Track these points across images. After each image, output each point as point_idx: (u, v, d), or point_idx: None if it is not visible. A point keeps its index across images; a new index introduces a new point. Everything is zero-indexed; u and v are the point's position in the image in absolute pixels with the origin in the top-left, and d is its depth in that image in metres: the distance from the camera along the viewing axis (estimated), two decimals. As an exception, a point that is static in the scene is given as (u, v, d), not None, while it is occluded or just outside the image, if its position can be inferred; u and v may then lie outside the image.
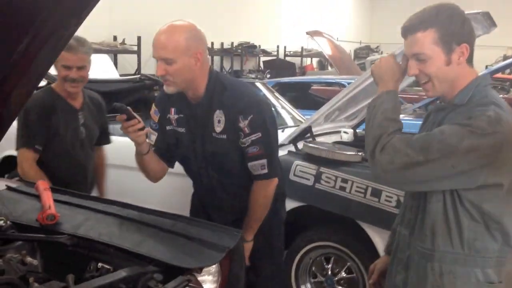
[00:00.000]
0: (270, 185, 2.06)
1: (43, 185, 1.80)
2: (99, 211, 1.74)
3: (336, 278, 2.82)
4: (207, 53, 2.01)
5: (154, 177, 2.17)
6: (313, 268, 2.89)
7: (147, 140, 2.04)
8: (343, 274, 2.81)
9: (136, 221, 1.69)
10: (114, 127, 4.11)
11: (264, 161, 2.00)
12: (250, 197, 2.07)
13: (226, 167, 2.07)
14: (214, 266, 1.53)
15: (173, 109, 2.09)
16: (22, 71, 1.65)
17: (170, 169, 2.20)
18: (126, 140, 2.94)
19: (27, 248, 1.54)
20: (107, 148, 2.86)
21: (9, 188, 1.91)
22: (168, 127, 2.11)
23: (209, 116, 2.01)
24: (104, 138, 2.76)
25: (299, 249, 2.85)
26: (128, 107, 1.92)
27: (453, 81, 1.53)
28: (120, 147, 2.77)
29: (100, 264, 1.46)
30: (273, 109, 4.15)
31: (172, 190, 2.99)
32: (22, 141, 2.41)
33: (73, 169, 2.50)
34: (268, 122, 2.02)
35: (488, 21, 2.78)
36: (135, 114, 1.91)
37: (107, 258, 1.50)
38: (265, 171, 2.01)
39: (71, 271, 1.37)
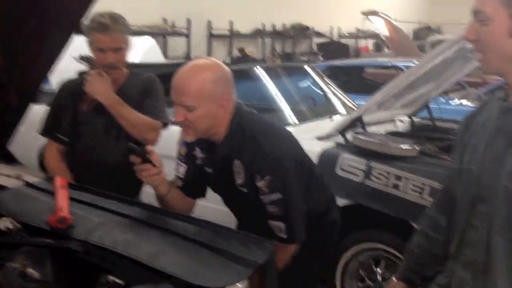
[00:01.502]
0: (289, 249, 1.76)
1: (60, 182, 1.65)
2: (117, 213, 1.58)
3: (387, 283, 2.56)
4: (234, 96, 1.73)
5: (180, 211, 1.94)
6: (361, 272, 2.65)
7: (173, 175, 1.82)
8: (393, 279, 2.55)
9: (156, 226, 1.51)
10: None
11: (282, 224, 1.70)
12: None
13: (254, 213, 1.79)
14: (240, 284, 1.32)
15: (197, 148, 1.84)
16: (32, 57, 1.50)
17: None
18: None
19: (36, 254, 1.39)
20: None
21: (27, 184, 1.77)
22: (197, 162, 1.85)
23: (229, 164, 1.75)
24: (153, 117, 2.31)
25: (346, 250, 2.61)
26: (145, 148, 1.70)
27: None
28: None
29: (111, 278, 1.29)
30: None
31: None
32: (44, 127, 2.23)
33: (108, 165, 2.19)
34: (290, 180, 1.72)
35: None
36: (150, 158, 1.70)
37: (120, 271, 1.33)
38: (283, 235, 1.71)
39: (82, 282, 1.21)
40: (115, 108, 2.12)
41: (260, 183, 1.69)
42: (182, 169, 1.86)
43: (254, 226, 1.81)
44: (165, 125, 2.27)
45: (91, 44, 2.12)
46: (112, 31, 2.08)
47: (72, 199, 1.60)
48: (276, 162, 1.70)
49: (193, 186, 1.86)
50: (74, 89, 2.22)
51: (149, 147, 1.74)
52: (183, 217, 1.57)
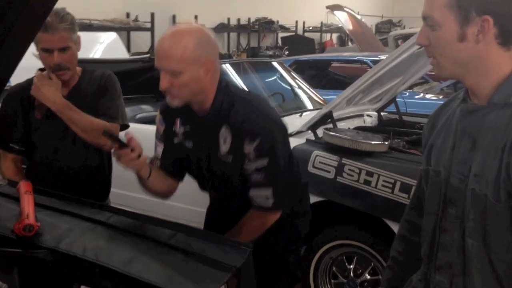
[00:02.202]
0: (271, 218, 1.77)
1: (25, 187, 1.56)
2: (86, 219, 1.51)
3: (359, 280, 2.58)
4: (219, 61, 1.71)
5: (162, 196, 1.91)
6: (334, 269, 2.65)
7: (145, 158, 1.73)
8: (367, 275, 2.57)
9: (128, 231, 1.45)
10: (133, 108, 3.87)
11: (269, 191, 1.70)
12: (242, 219, 1.78)
13: (230, 191, 1.81)
14: (218, 289, 1.28)
15: (178, 120, 1.80)
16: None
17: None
18: (143, 127, 2.70)
19: (2, 264, 1.33)
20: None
21: (-12, 190, 1.68)
22: (175, 140, 1.82)
23: (214, 133, 1.73)
24: (106, 118, 2.13)
25: (319, 247, 2.61)
26: (118, 136, 1.64)
27: (469, 65, 1.14)
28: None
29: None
30: (280, 98, 3.88)
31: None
32: None
33: (69, 172, 2.09)
34: (278, 148, 1.72)
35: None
36: (129, 143, 1.62)
37: (92, 280, 1.27)
38: (269, 203, 1.71)
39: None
40: (64, 114, 1.97)
41: (248, 147, 1.67)
42: (159, 149, 1.84)
43: (230, 204, 1.83)
44: (123, 127, 2.13)
45: (36, 44, 1.94)
46: (57, 30, 1.91)
47: (37, 204, 1.52)
48: (268, 123, 1.71)
49: (171, 165, 1.83)
50: (23, 94, 2.06)
51: (129, 135, 1.66)
52: (156, 221, 1.51)
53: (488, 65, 1.14)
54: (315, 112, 3.16)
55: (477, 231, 1.16)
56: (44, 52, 1.95)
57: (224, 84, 1.73)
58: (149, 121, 3.60)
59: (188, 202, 2.84)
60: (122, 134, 1.69)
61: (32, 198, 1.52)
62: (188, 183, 1.94)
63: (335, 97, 3.00)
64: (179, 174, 1.89)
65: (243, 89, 1.83)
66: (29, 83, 2.09)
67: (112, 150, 1.67)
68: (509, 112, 1.12)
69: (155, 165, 1.84)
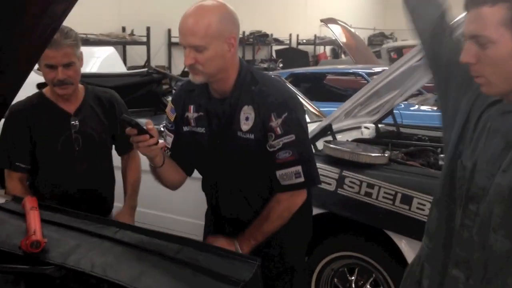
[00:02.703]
0: (300, 197, 1.78)
1: (30, 203, 1.57)
2: (93, 234, 1.51)
3: (361, 292, 2.58)
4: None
5: (172, 186, 1.92)
6: (335, 280, 2.65)
7: (162, 147, 1.78)
8: (368, 287, 2.57)
9: (136, 246, 1.45)
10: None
11: (299, 168, 1.70)
12: (268, 205, 1.78)
13: (248, 173, 1.80)
14: (227, 304, 1.28)
15: (192, 107, 1.82)
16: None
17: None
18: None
19: (9, 281, 1.32)
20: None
21: (-6, 206, 1.68)
22: (185, 128, 1.84)
23: (235, 112, 1.74)
24: (127, 143, 2.19)
25: (320, 259, 2.61)
26: (138, 121, 1.64)
27: None
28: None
29: (91, 304, 1.23)
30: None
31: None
32: (0, 158, 2.09)
33: (76, 188, 2.09)
34: (303, 123, 1.76)
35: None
36: (146, 128, 1.64)
37: (100, 296, 1.27)
38: (301, 179, 1.71)
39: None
40: None
41: (275, 122, 1.69)
42: (169, 139, 1.86)
43: (240, 196, 1.82)
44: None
45: (40, 60, 1.93)
46: (61, 46, 1.93)
47: (43, 220, 1.52)
48: (292, 100, 1.76)
49: (182, 155, 1.85)
50: (25, 111, 2.07)
51: (149, 122, 1.67)
52: (162, 235, 1.52)
53: None
54: (314, 124, 3.17)
55: (502, 226, 1.18)
56: (48, 68, 1.97)
57: (245, 63, 1.77)
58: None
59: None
60: (142, 122, 1.71)
61: (38, 214, 1.53)
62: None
63: (330, 109, 3.03)
64: (189, 166, 1.91)
65: (261, 71, 1.89)
66: (30, 100, 2.11)
67: (131, 137, 1.67)
68: None
69: (165, 154, 1.85)
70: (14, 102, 2.08)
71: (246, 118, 1.73)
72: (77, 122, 2.10)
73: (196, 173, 1.95)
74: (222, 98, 1.75)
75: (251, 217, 1.83)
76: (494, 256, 1.20)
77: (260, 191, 1.82)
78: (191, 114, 1.82)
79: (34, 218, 1.48)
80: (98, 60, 5.23)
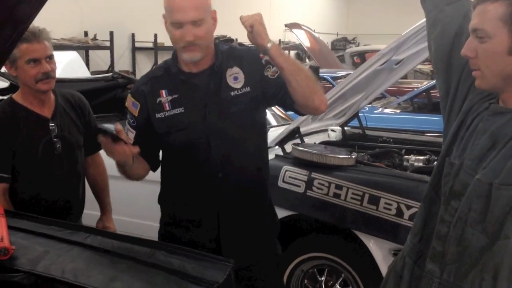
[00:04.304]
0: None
1: (-4, 210, 1.52)
2: (62, 240, 1.48)
3: (331, 292, 2.62)
4: None
5: (139, 179, 1.91)
6: (306, 281, 2.68)
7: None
8: (338, 287, 2.61)
9: (107, 251, 1.43)
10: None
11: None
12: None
13: (243, 137, 1.81)
14: (201, 306, 1.28)
15: (164, 91, 1.81)
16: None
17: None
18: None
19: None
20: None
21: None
22: (158, 115, 1.81)
23: (220, 79, 1.78)
24: (95, 144, 2.11)
25: (290, 261, 2.63)
26: (112, 129, 1.64)
27: None
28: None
29: (63, 310, 1.21)
30: None
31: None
32: None
33: (54, 193, 2.07)
34: None
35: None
36: (117, 134, 1.63)
37: (72, 302, 1.24)
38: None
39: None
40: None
41: (266, 62, 1.79)
42: (131, 134, 1.85)
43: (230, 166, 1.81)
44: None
45: (19, 58, 1.93)
46: (42, 39, 1.95)
47: (10, 227, 1.49)
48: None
49: (145, 149, 1.81)
50: (4, 120, 2.02)
51: (118, 126, 1.67)
52: (133, 240, 1.50)
53: None
54: (281, 128, 3.21)
55: (479, 222, 1.21)
56: (32, 63, 1.95)
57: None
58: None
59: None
60: (111, 127, 1.70)
61: (5, 220, 1.49)
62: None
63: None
64: (154, 161, 1.91)
65: None
66: (2, 108, 2.05)
67: (105, 146, 1.67)
68: None
69: None
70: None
71: (235, 78, 1.79)
72: (54, 126, 2.06)
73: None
74: (201, 71, 1.78)
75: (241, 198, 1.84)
76: (469, 251, 1.23)
77: (255, 158, 1.86)
78: (164, 98, 1.81)
79: (0, 225, 1.44)
80: (61, 65, 5.10)
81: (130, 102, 1.86)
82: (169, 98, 1.80)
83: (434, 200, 1.37)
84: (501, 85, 1.21)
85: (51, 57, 2.00)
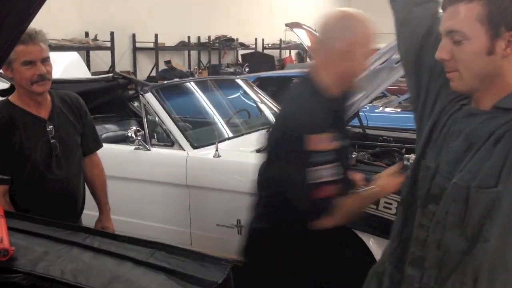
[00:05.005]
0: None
1: (-4, 211, 1.53)
2: (62, 241, 1.48)
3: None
4: None
5: None
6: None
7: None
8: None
9: (106, 252, 1.43)
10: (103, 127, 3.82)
11: None
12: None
13: None
14: (200, 306, 1.28)
15: None
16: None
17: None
18: (110, 147, 2.71)
19: (-25, 291, 1.28)
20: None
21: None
22: None
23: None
24: (92, 144, 2.29)
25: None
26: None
27: (489, 79, 1.18)
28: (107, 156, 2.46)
29: (62, 311, 1.21)
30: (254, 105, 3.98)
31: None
32: None
33: (53, 194, 2.08)
34: None
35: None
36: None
37: (71, 302, 1.25)
38: None
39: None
40: None
41: None
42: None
43: None
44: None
45: (15, 60, 1.94)
46: (38, 41, 1.96)
47: (10, 228, 1.49)
48: None
49: None
50: (2, 122, 2.02)
51: None
52: (132, 240, 1.51)
53: (505, 80, 1.19)
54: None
55: (457, 225, 1.20)
56: (27, 65, 1.95)
57: None
58: (115, 140, 3.56)
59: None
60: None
61: (5, 221, 1.49)
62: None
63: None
64: None
65: None
66: (3, 106, 2.06)
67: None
68: (510, 117, 1.17)
69: None
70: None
71: None
72: (52, 127, 2.07)
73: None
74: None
75: None
76: (449, 256, 1.22)
77: None
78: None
79: (0, 226, 1.45)
80: (61, 66, 5.13)
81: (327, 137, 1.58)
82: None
83: (411, 204, 1.36)
84: (478, 85, 1.20)
85: (46, 59, 2.00)
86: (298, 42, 10.51)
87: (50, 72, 2.02)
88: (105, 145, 2.56)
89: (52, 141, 2.06)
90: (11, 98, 2.09)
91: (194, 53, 10.31)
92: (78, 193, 2.19)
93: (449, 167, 1.24)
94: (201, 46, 10.26)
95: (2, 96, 3.55)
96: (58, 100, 2.15)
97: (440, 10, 1.26)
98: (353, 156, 2.56)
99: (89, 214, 2.31)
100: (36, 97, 2.03)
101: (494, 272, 1.18)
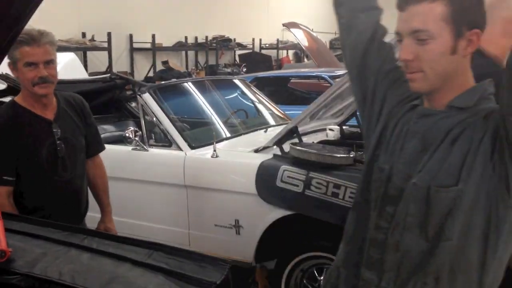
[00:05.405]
0: None
1: (-7, 213, 1.52)
2: (60, 242, 1.48)
3: (330, 291, 2.61)
4: None
5: None
6: (305, 281, 2.68)
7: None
8: (337, 286, 2.60)
9: (105, 253, 1.43)
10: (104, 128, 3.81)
11: None
12: None
13: None
14: (198, 306, 1.28)
15: None
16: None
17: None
18: (109, 148, 2.69)
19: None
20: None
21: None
22: None
23: None
24: (96, 145, 2.30)
25: (289, 260, 2.63)
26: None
27: (450, 78, 1.19)
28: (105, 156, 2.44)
29: (60, 313, 1.21)
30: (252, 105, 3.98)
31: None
32: None
33: (58, 196, 2.07)
34: None
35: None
36: None
37: (69, 304, 1.24)
38: None
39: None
40: None
41: None
42: None
43: None
44: None
45: (19, 60, 1.94)
46: (42, 43, 1.94)
47: (7, 230, 1.48)
48: None
49: None
50: (8, 123, 2.01)
51: None
52: (131, 241, 1.50)
53: (461, 79, 1.20)
54: (279, 127, 3.20)
55: (417, 226, 1.21)
56: (28, 66, 1.94)
57: None
58: (112, 141, 3.55)
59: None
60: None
61: (2, 223, 1.48)
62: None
63: (294, 112, 3.05)
64: None
65: None
66: (6, 111, 2.05)
67: None
68: (464, 116, 1.18)
69: None
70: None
71: None
72: (58, 129, 2.06)
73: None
74: None
75: None
76: (408, 257, 1.22)
77: None
78: None
79: (-3, 228, 1.44)
80: (58, 66, 5.10)
81: None
82: None
83: (363, 207, 1.35)
84: (440, 85, 1.21)
85: (50, 61, 1.98)
86: (296, 42, 10.52)
87: (53, 75, 2.01)
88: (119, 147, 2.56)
89: (58, 142, 2.05)
90: (17, 99, 2.08)
91: (191, 54, 10.30)
92: (82, 195, 2.19)
93: (405, 168, 1.24)
94: (198, 46, 10.25)
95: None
96: (63, 101, 2.14)
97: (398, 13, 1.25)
98: (351, 156, 2.55)
99: (91, 216, 2.31)
100: (41, 98, 2.03)
101: (455, 270, 1.19)
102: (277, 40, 12.92)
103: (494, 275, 1.21)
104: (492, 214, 1.15)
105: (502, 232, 1.17)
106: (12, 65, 1.97)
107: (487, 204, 1.15)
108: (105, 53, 7.90)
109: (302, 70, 8.88)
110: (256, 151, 2.83)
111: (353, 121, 3.56)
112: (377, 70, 1.38)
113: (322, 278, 2.64)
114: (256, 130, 3.49)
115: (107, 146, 3.11)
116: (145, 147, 3.03)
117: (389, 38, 1.44)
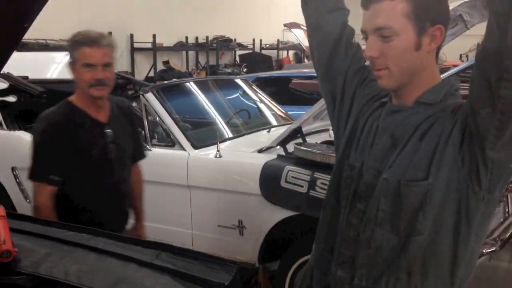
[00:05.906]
0: None
1: (-2, 212, 1.50)
2: (65, 242, 1.47)
3: (334, 292, 2.60)
4: None
5: None
6: (309, 282, 2.66)
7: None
8: (342, 287, 2.59)
9: (110, 253, 1.42)
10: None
11: None
12: None
13: None
14: (207, 308, 1.27)
15: None
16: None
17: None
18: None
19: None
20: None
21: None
22: None
23: None
24: (138, 153, 2.27)
25: (293, 261, 2.62)
26: None
27: (416, 74, 1.20)
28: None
29: (66, 314, 1.20)
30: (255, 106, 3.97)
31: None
32: (33, 171, 1.99)
33: (106, 199, 2.05)
34: None
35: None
36: None
37: (76, 305, 1.23)
38: None
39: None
40: None
41: None
42: None
43: None
44: None
45: (78, 60, 1.92)
46: (102, 45, 1.92)
47: (13, 230, 1.47)
48: None
49: None
50: (62, 123, 1.99)
51: None
52: (137, 241, 1.49)
53: (427, 74, 1.21)
54: (282, 128, 3.20)
55: (388, 221, 1.21)
56: (86, 67, 1.92)
57: None
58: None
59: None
60: None
61: (7, 223, 1.47)
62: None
63: (296, 112, 3.04)
64: None
65: None
66: (61, 110, 2.03)
67: None
68: (432, 111, 1.20)
69: None
70: (44, 113, 2.02)
71: None
72: (111, 132, 2.05)
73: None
74: None
75: None
76: (380, 253, 1.22)
77: None
78: None
79: (3, 227, 1.42)
80: (59, 66, 5.09)
81: None
82: None
83: (335, 206, 1.35)
84: (406, 81, 1.21)
85: (108, 64, 1.96)
86: (296, 43, 10.51)
87: (109, 78, 1.97)
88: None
89: (110, 145, 2.04)
90: (71, 99, 2.05)
91: (192, 54, 10.30)
92: (127, 199, 2.17)
93: (376, 164, 1.25)
94: (199, 46, 10.25)
95: (1, 96, 3.52)
96: (115, 106, 2.12)
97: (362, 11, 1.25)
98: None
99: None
100: (96, 100, 2.00)
101: (427, 265, 1.19)
102: (278, 40, 12.91)
103: (466, 268, 1.22)
104: (463, 207, 1.16)
105: (473, 225, 1.18)
106: (72, 65, 1.95)
107: (457, 197, 1.16)
108: (106, 52, 7.89)
109: (304, 70, 8.87)
110: (260, 151, 2.82)
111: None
112: (346, 70, 1.39)
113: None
114: (259, 130, 3.48)
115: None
116: (147, 147, 3.02)
117: (356, 38, 1.45)
